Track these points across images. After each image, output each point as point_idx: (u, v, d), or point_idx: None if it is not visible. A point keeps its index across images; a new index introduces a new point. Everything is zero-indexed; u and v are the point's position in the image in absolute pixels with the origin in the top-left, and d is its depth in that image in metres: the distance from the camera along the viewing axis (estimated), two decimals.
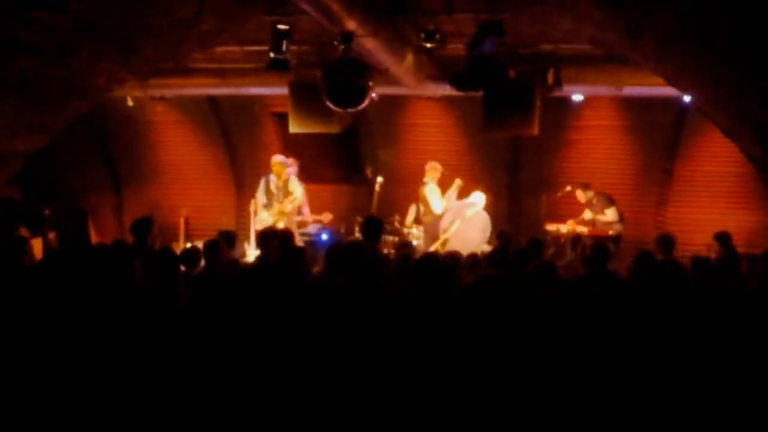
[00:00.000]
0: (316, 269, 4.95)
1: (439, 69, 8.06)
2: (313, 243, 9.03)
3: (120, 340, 3.55)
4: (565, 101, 9.16)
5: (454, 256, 5.50)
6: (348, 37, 6.06)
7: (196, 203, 11.18)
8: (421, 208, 9.52)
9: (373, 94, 7.20)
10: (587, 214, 9.47)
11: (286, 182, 8.97)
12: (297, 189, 8.95)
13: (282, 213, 8.82)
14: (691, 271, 4.77)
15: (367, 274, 3.79)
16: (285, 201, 8.83)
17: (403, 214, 9.63)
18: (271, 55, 6.72)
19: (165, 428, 3.24)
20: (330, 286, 3.92)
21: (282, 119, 9.80)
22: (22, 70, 5.30)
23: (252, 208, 9.18)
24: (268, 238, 6.27)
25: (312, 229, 9.51)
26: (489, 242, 8.42)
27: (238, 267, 5.44)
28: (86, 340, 3.56)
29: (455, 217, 8.82)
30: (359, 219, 9.37)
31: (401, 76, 7.85)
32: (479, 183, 9.41)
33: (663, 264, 4.64)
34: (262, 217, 8.94)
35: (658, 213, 10.13)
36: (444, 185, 9.34)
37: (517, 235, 8.16)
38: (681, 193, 10.02)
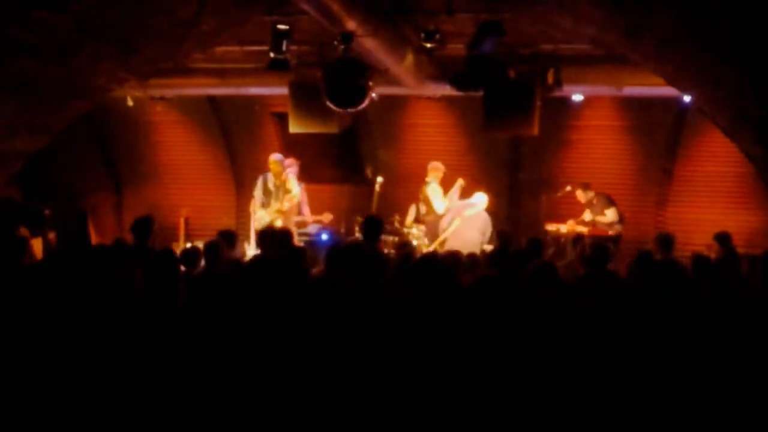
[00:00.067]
0: (316, 269, 4.95)
1: (439, 69, 8.06)
2: (313, 243, 9.02)
3: (120, 341, 3.55)
4: (565, 101, 9.16)
5: (454, 256, 5.49)
6: (348, 37, 6.06)
7: (196, 203, 11.18)
8: (422, 208, 9.52)
9: (373, 94, 7.21)
10: (587, 215, 9.47)
11: (284, 181, 8.96)
12: (295, 187, 8.95)
13: (280, 211, 8.82)
14: (692, 269, 4.77)
15: (367, 274, 3.79)
16: (283, 199, 8.82)
17: (403, 214, 9.63)
18: (271, 55, 6.72)
19: (165, 428, 3.24)
20: (330, 286, 3.92)
21: (282, 119, 9.80)
22: (22, 70, 5.30)
23: (252, 208, 9.18)
24: (267, 237, 6.27)
25: (312, 229, 9.51)
26: (489, 242, 8.41)
27: (241, 267, 5.44)
28: (86, 340, 3.56)
29: (455, 216, 8.82)
30: (359, 219, 9.36)
31: (401, 76, 7.85)
32: (479, 183, 9.42)
33: (663, 264, 4.63)
34: (259, 216, 8.94)
35: (658, 213, 10.13)
36: (446, 185, 9.34)
37: (517, 235, 8.18)
38: (681, 193, 10.02)
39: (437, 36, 6.47)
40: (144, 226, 6.20)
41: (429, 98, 9.49)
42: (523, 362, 3.18)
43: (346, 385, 3.13)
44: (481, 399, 3.04)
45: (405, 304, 3.58)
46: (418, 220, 9.54)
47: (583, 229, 9.34)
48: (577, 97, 9.11)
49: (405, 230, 9.37)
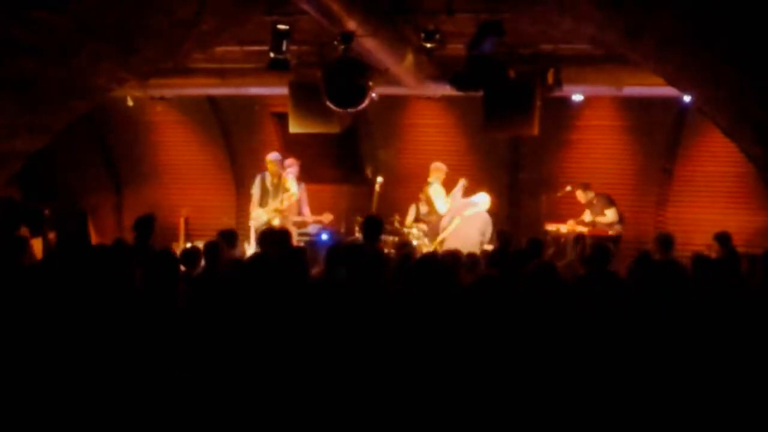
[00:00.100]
0: (316, 269, 4.95)
1: (439, 69, 8.06)
2: (313, 243, 9.02)
3: (120, 341, 3.55)
4: (565, 101, 9.15)
5: (454, 256, 5.49)
6: (348, 37, 6.06)
7: (196, 203, 11.17)
8: (423, 208, 9.52)
9: (373, 94, 7.21)
10: (587, 216, 9.47)
11: (281, 180, 8.97)
12: (293, 186, 8.94)
13: (277, 210, 8.82)
14: (692, 269, 4.77)
15: (367, 274, 3.79)
16: (282, 198, 8.82)
17: (403, 214, 9.62)
18: (271, 55, 6.72)
19: (165, 428, 3.24)
20: (330, 286, 3.92)
21: (282, 119, 9.79)
22: (22, 70, 5.30)
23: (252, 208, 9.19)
24: (266, 237, 6.27)
25: (312, 229, 9.50)
26: (489, 243, 8.39)
27: (241, 266, 5.44)
28: (86, 340, 3.56)
29: (454, 215, 8.81)
30: (359, 219, 9.36)
31: (401, 76, 7.84)
32: (479, 183, 9.41)
33: (662, 264, 4.64)
34: (257, 214, 8.94)
35: (658, 213, 10.13)
36: (448, 186, 9.33)
37: (517, 235, 8.17)
38: (681, 193, 10.02)
39: (437, 36, 6.47)
40: (146, 224, 6.21)
41: (429, 98, 9.49)
42: (523, 362, 3.18)
43: (346, 384, 3.13)
44: (481, 399, 3.04)
45: (405, 304, 3.58)
46: (418, 219, 9.54)
47: (583, 229, 9.33)
48: (577, 97, 9.10)
49: (405, 230, 9.36)
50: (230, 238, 6.41)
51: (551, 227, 9.54)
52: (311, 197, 9.78)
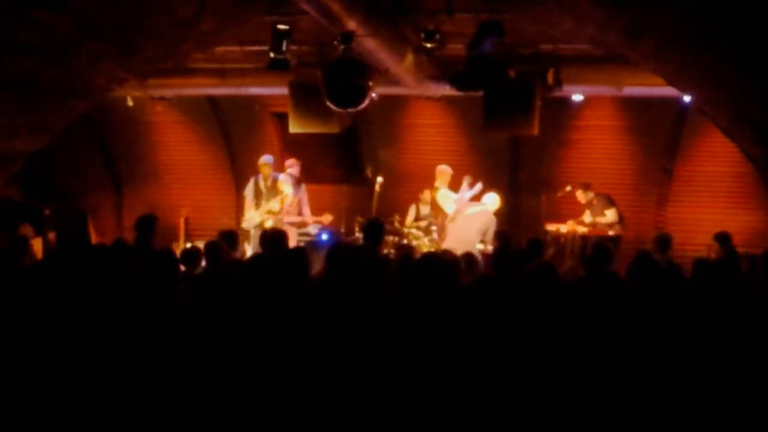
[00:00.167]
0: (316, 270, 4.94)
1: (439, 69, 8.05)
2: (313, 243, 9.03)
3: (120, 341, 3.55)
4: (565, 101, 9.15)
5: (454, 256, 5.49)
6: (348, 37, 6.06)
7: (196, 203, 11.18)
8: (422, 209, 9.53)
9: (373, 94, 7.20)
10: (587, 217, 9.46)
11: (274, 182, 8.98)
12: (287, 188, 8.94)
13: (270, 212, 8.82)
14: (693, 272, 4.76)
15: (367, 274, 3.79)
16: (275, 200, 8.82)
17: (403, 214, 9.63)
18: (271, 55, 6.72)
19: (165, 428, 3.24)
20: (330, 287, 3.91)
21: (282, 119, 9.79)
22: (22, 70, 5.30)
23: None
24: (266, 238, 6.27)
25: (312, 229, 9.51)
26: (485, 242, 8.35)
27: (241, 266, 5.44)
28: (86, 340, 3.56)
29: (456, 215, 8.80)
30: (359, 219, 9.37)
31: (401, 76, 7.84)
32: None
33: (661, 264, 4.64)
34: (249, 216, 8.96)
35: (658, 213, 10.13)
36: (454, 187, 9.30)
37: (517, 235, 8.15)
38: (681, 193, 10.02)
39: (437, 36, 6.47)
40: (147, 223, 6.21)
41: (429, 98, 9.48)
42: (523, 362, 3.18)
43: (346, 384, 3.13)
44: (481, 398, 3.04)
45: (405, 305, 3.58)
46: (418, 219, 9.54)
47: (583, 230, 9.33)
48: (577, 97, 9.10)
49: (405, 230, 9.37)
50: (231, 238, 6.40)
51: (551, 227, 9.54)
52: (311, 197, 9.79)
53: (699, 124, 9.14)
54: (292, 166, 9.43)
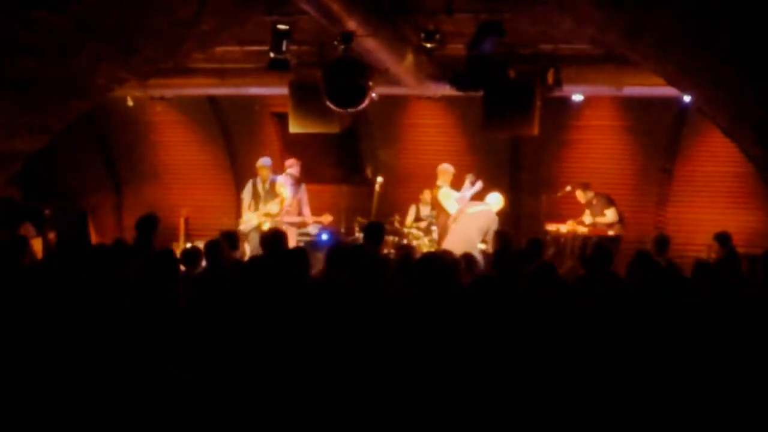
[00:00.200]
0: (316, 270, 4.95)
1: (439, 69, 8.05)
2: (313, 243, 9.03)
3: (120, 340, 3.55)
4: (565, 101, 9.15)
5: (454, 257, 5.49)
6: (348, 37, 6.06)
7: (196, 203, 11.17)
8: (423, 209, 9.52)
9: (373, 94, 7.20)
10: (587, 217, 9.46)
11: (272, 185, 8.98)
12: (285, 191, 8.94)
13: (269, 215, 8.82)
14: (693, 274, 4.76)
15: (367, 274, 3.79)
16: (271, 203, 8.82)
17: (403, 214, 9.62)
18: (271, 55, 6.71)
19: (165, 428, 3.24)
20: (330, 287, 3.92)
21: (282, 119, 9.80)
22: (22, 70, 5.30)
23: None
24: (266, 239, 6.26)
25: (312, 229, 9.51)
26: (486, 242, 8.34)
27: (241, 266, 5.44)
28: (86, 340, 3.56)
29: (459, 214, 8.78)
30: (359, 219, 9.37)
31: (401, 76, 7.84)
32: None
33: (660, 264, 4.64)
34: (247, 218, 8.96)
35: (658, 213, 10.13)
36: (456, 185, 9.29)
37: (517, 235, 8.16)
38: (681, 193, 10.02)
39: (437, 36, 6.47)
40: (148, 223, 6.22)
41: (429, 98, 9.48)
42: (524, 362, 3.18)
43: (346, 384, 3.13)
44: (481, 398, 3.04)
45: (405, 305, 3.58)
46: (418, 219, 9.53)
47: (583, 230, 9.33)
48: (577, 97, 9.10)
49: (405, 230, 9.36)
50: (231, 239, 6.40)
51: (551, 227, 9.54)
52: (311, 197, 9.78)
53: (699, 124, 9.14)
54: (292, 166, 9.43)
